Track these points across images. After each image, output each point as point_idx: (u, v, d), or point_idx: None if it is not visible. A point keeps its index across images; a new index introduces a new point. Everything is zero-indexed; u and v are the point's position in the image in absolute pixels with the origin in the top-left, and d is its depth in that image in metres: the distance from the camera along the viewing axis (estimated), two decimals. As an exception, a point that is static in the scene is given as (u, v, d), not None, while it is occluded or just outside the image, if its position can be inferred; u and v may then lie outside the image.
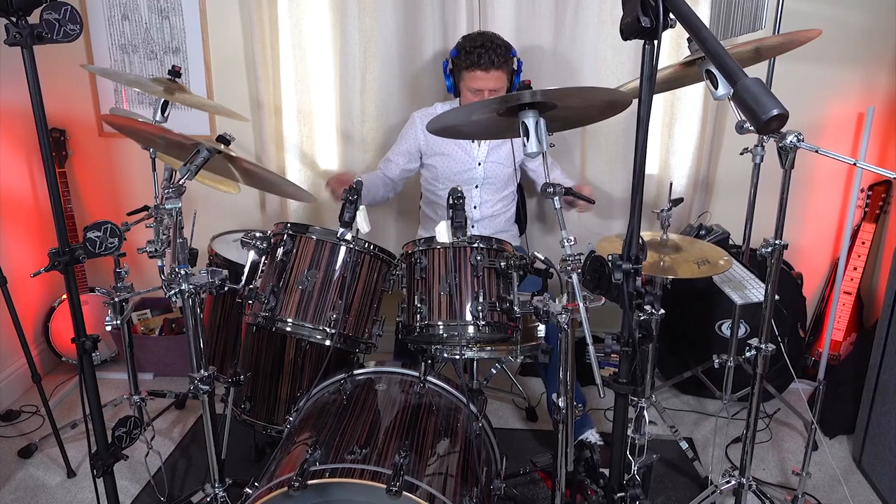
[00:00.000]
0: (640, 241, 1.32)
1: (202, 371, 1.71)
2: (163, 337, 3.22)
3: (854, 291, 3.02)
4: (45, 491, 2.40)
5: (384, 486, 1.43)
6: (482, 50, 2.38)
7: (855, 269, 3.01)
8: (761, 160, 2.45)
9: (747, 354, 1.94)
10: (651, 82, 1.21)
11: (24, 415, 2.88)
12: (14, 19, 1.35)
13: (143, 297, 3.22)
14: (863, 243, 2.99)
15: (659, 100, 2.93)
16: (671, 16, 1.13)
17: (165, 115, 2.14)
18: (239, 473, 2.06)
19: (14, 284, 2.43)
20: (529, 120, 1.55)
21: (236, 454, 2.46)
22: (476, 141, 2.60)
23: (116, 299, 2.11)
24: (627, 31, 1.19)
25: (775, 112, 0.93)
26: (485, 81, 2.41)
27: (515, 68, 2.52)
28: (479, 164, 2.62)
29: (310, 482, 1.45)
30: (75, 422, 2.65)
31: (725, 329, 2.85)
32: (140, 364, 3.13)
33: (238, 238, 2.62)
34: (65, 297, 3.18)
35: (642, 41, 1.20)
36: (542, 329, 2.11)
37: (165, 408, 2.90)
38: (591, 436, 2.53)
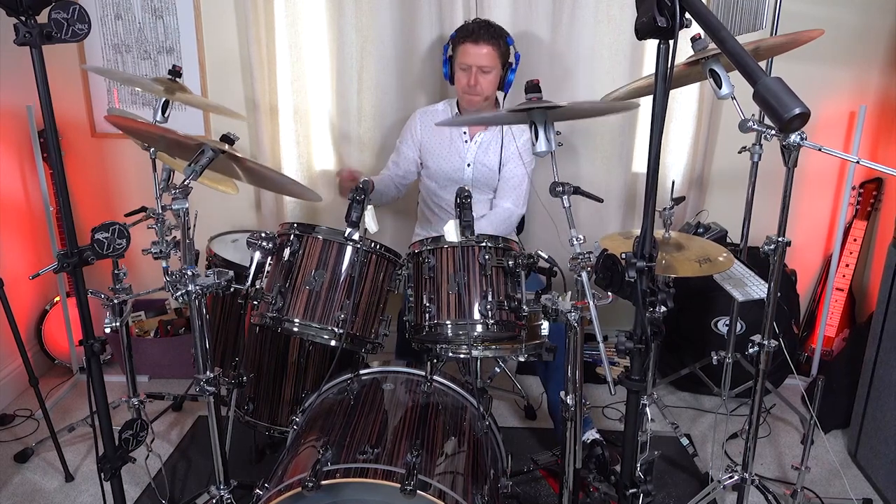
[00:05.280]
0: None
1: (208, 372, 1.70)
2: (158, 339, 3.19)
3: (846, 288, 3.06)
4: (42, 495, 2.37)
5: (398, 486, 1.44)
6: (475, 26, 2.45)
7: (847, 265, 3.05)
8: (759, 158, 2.48)
9: (750, 351, 1.96)
10: (666, 82, 1.21)
11: (18, 419, 2.84)
12: (23, 19, 1.34)
13: (137, 300, 3.19)
14: (854, 240, 3.04)
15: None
16: (687, 15, 1.14)
17: (166, 115, 2.11)
18: (239, 475, 2.04)
19: (6, 287, 2.39)
20: (538, 119, 1.57)
21: (236, 455, 2.45)
22: (467, 141, 2.61)
23: (116, 301, 2.10)
24: (643, 31, 1.19)
25: (797, 111, 0.93)
26: (474, 56, 2.43)
27: (512, 61, 2.53)
28: (469, 164, 2.62)
29: (323, 482, 1.45)
30: (72, 425, 2.62)
31: (721, 326, 2.88)
32: (135, 366, 3.10)
33: (236, 238, 2.63)
34: (58, 299, 3.16)
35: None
36: (545, 327, 2.11)
37: (163, 410, 2.87)
38: (592, 436, 2.54)
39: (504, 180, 2.61)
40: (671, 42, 1.19)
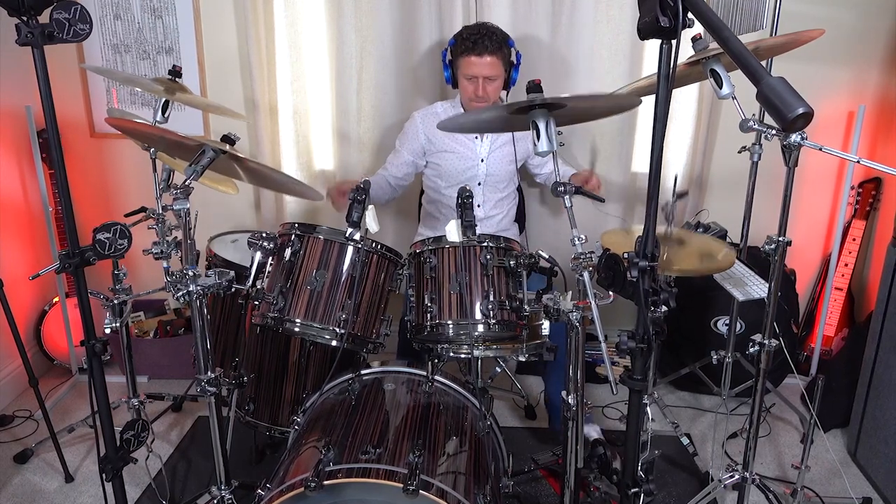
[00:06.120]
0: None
1: (209, 373, 1.70)
2: (157, 339, 3.19)
3: (845, 287, 3.06)
4: (42, 496, 2.37)
5: (400, 486, 1.44)
6: (477, 36, 2.41)
7: (846, 265, 3.06)
8: (759, 158, 2.49)
9: (750, 350, 1.96)
10: (668, 81, 1.21)
11: (18, 420, 2.84)
12: (25, 19, 1.34)
13: (136, 300, 3.18)
14: (853, 240, 3.04)
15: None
16: (690, 15, 1.14)
17: (166, 115, 2.11)
18: (239, 475, 2.05)
19: (5, 288, 2.39)
20: (540, 119, 1.56)
21: (236, 456, 2.44)
22: (479, 137, 2.61)
23: (115, 301, 2.09)
24: (645, 31, 1.19)
25: (801, 111, 0.94)
26: (479, 67, 2.42)
27: (514, 61, 2.53)
28: (482, 160, 2.62)
29: (325, 482, 1.45)
30: (72, 426, 2.62)
31: (721, 326, 2.88)
32: (135, 367, 3.09)
33: (236, 238, 2.63)
34: (57, 300, 3.15)
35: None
36: (546, 327, 2.11)
37: (163, 411, 2.87)
38: (593, 431, 2.54)
39: (540, 165, 2.80)
40: (673, 42, 1.19)
